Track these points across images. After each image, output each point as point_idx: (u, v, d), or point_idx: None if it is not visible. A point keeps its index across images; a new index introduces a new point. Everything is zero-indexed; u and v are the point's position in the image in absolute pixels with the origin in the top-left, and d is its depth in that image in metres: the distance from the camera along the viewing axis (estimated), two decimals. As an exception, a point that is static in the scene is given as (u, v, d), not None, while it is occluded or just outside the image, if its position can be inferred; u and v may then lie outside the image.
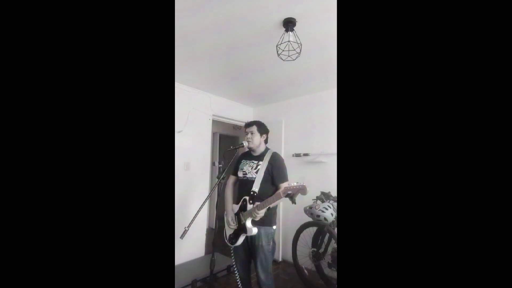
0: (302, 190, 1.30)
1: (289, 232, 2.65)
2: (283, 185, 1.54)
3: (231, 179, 1.76)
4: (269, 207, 1.45)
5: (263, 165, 1.57)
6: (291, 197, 1.34)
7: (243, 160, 1.69)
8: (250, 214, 1.46)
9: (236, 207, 1.59)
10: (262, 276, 1.52)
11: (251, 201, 1.51)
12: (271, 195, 1.45)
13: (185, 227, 1.33)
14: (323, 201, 2.10)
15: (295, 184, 1.32)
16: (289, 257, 2.48)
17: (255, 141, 1.63)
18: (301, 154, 2.79)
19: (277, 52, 1.59)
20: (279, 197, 1.37)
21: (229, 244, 1.60)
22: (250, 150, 1.69)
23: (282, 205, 2.81)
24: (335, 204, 2.06)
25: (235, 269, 1.63)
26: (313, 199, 2.15)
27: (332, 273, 2.13)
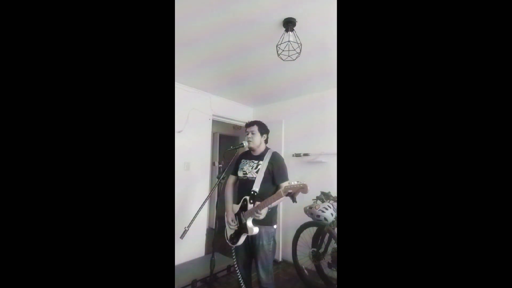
0: (303, 189, 1.31)
1: (289, 232, 2.65)
2: (284, 185, 1.54)
3: (231, 179, 1.76)
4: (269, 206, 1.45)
5: (263, 165, 1.57)
6: (292, 196, 1.35)
7: (243, 160, 1.69)
8: (251, 213, 1.46)
9: (237, 207, 1.59)
10: (263, 275, 1.53)
11: (251, 201, 1.51)
12: (271, 195, 1.46)
13: (185, 227, 1.33)
14: (323, 201, 2.10)
15: (296, 183, 1.32)
16: (289, 257, 2.48)
17: (256, 141, 1.63)
18: (301, 154, 2.79)
19: (277, 52, 1.59)
20: (280, 196, 1.37)
21: (230, 244, 1.61)
22: (251, 150, 1.69)
23: (282, 205, 2.81)
24: (335, 204, 2.06)
25: (237, 269, 1.63)
26: (313, 199, 2.15)
27: (332, 273, 2.12)
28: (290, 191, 1.33)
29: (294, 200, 1.36)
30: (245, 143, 1.63)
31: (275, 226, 1.59)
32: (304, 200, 1.97)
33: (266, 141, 1.70)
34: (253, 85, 2.60)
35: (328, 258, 2.11)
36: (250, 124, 1.67)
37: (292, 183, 1.34)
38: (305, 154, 2.75)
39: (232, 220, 1.56)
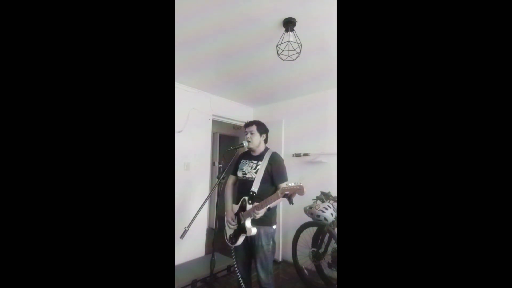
0: (299, 190, 1.30)
1: (289, 232, 2.65)
2: (282, 185, 1.54)
3: (231, 179, 1.76)
4: (269, 207, 1.45)
5: (262, 165, 1.57)
6: (289, 197, 1.34)
7: (242, 160, 1.69)
8: (250, 214, 1.46)
9: (236, 207, 1.59)
10: (262, 275, 1.53)
11: (250, 201, 1.51)
12: (270, 195, 1.45)
13: (185, 227, 1.33)
14: (323, 201, 2.10)
15: (293, 184, 1.32)
16: (289, 257, 2.48)
17: (255, 141, 1.63)
18: (301, 154, 2.79)
19: (277, 52, 1.59)
20: (278, 197, 1.37)
21: (229, 244, 1.60)
22: (250, 150, 1.68)
23: (282, 205, 2.81)
24: (335, 204, 2.06)
25: (236, 269, 1.63)
26: (313, 199, 2.15)
27: (332, 273, 2.12)
28: (286, 192, 1.32)
29: (290, 202, 1.35)
30: (245, 143, 1.63)
31: (274, 227, 1.59)
32: (304, 200, 1.97)
33: (265, 141, 1.70)
34: (253, 85, 2.60)
35: (328, 258, 2.11)
36: (248, 124, 1.67)
37: (289, 184, 1.33)
38: (305, 154, 2.75)
39: (232, 220, 1.56)
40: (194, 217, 1.39)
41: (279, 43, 1.55)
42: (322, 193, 2.18)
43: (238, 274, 1.61)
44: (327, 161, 2.54)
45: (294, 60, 1.62)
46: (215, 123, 3.12)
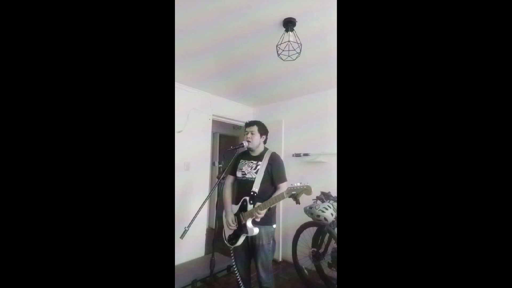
0: (306, 190, 1.30)
1: (289, 232, 2.64)
2: (283, 185, 1.54)
3: (229, 179, 1.75)
4: (269, 207, 1.45)
5: (262, 165, 1.57)
6: (295, 197, 1.34)
7: (241, 160, 1.69)
8: (251, 214, 1.46)
9: (236, 208, 1.59)
10: (263, 274, 1.53)
11: (251, 201, 1.51)
12: (270, 195, 1.45)
13: (185, 227, 1.33)
14: (323, 201, 2.10)
15: (299, 184, 1.32)
16: (289, 257, 2.48)
17: (255, 141, 1.63)
18: (301, 154, 2.79)
19: (277, 52, 1.59)
20: (282, 198, 1.37)
21: (228, 245, 1.60)
22: (249, 150, 1.68)
23: (282, 205, 2.81)
24: (335, 204, 2.06)
25: (235, 269, 1.63)
26: (313, 199, 2.15)
27: (332, 273, 2.12)
28: (293, 192, 1.33)
29: (297, 202, 1.35)
30: (245, 143, 1.63)
31: (274, 226, 1.60)
32: (304, 200, 1.97)
33: (265, 142, 1.70)
34: (253, 85, 2.60)
35: (328, 258, 2.11)
36: (250, 124, 1.67)
37: (295, 184, 1.33)
38: (305, 154, 2.75)
39: (232, 221, 1.56)
40: (194, 217, 1.39)
41: (279, 43, 1.55)
42: (322, 193, 2.18)
43: (237, 274, 1.62)
44: (327, 161, 2.54)
45: (294, 60, 1.62)
46: (215, 123, 3.12)
